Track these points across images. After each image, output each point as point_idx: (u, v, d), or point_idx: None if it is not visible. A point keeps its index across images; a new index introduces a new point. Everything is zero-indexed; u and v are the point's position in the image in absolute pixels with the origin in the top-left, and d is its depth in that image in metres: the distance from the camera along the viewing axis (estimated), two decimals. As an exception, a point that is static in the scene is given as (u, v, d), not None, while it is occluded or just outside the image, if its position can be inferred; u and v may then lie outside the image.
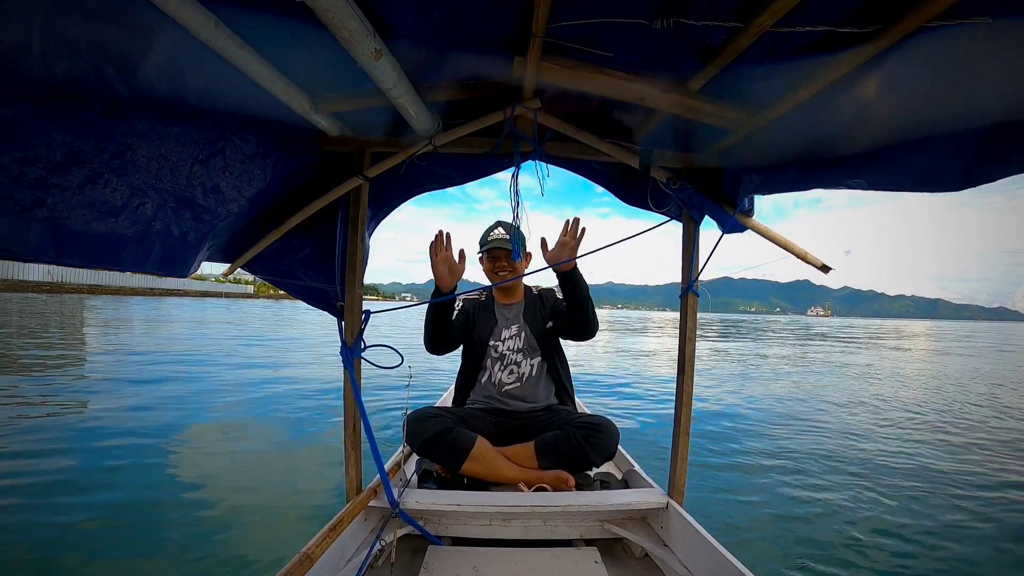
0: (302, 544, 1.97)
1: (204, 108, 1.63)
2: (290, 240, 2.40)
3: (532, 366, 3.24)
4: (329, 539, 2.08)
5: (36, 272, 64.21)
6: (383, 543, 2.31)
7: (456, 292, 2.80)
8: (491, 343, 3.28)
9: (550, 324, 3.30)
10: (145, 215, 1.62)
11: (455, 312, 3.34)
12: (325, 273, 2.47)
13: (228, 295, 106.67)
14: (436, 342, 3.12)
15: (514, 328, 3.31)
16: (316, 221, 2.38)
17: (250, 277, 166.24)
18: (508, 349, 3.28)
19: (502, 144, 2.23)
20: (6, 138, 1.21)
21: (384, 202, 2.57)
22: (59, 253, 1.41)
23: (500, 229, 3.27)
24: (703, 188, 2.24)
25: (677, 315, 2.61)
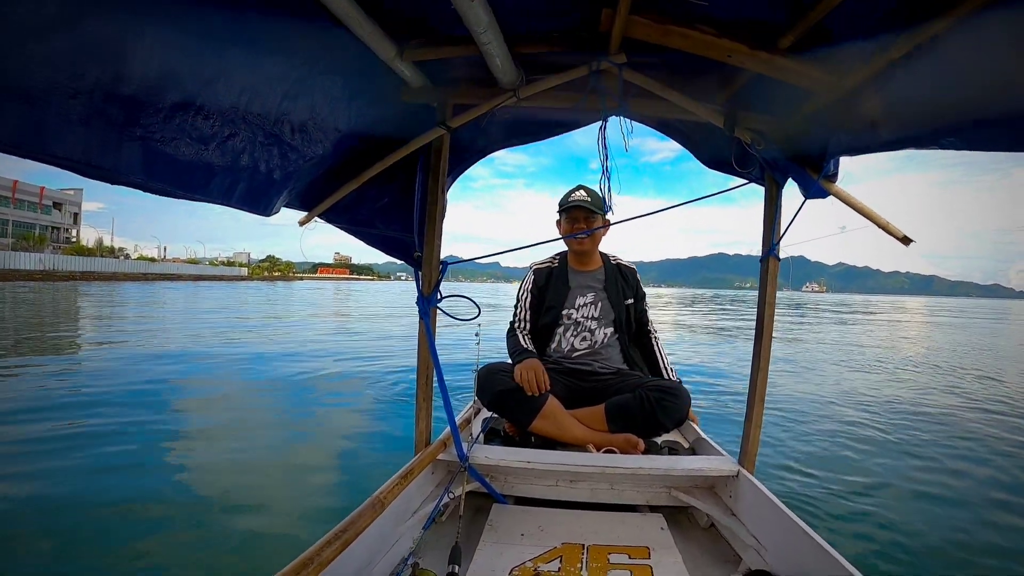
0: (370, 490, 2.02)
1: (294, 45, 1.65)
2: (368, 190, 2.42)
3: (605, 334, 3.27)
4: (400, 487, 2.12)
5: (28, 261, 64.31)
6: (451, 496, 2.37)
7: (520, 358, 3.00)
8: (564, 310, 3.31)
9: (630, 301, 3.36)
10: (235, 147, 1.67)
11: (527, 298, 3.45)
12: (403, 223, 2.50)
13: (223, 278, 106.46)
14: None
15: (590, 296, 3.32)
16: (395, 171, 2.40)
17: (244, 260, 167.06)
18: (583, 316, 3.29)
19: (586, 99, 2.20)
20: (104, 53, 1.21)
21: (463, 156, 2.62)
22: (149, 175, 1.45)
23: (582, 191, 3.26)
24: (788, 150, 2.19)
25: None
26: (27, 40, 1.07)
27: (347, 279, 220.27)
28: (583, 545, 2.13)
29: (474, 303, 2.59)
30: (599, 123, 2.29)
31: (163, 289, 50.71)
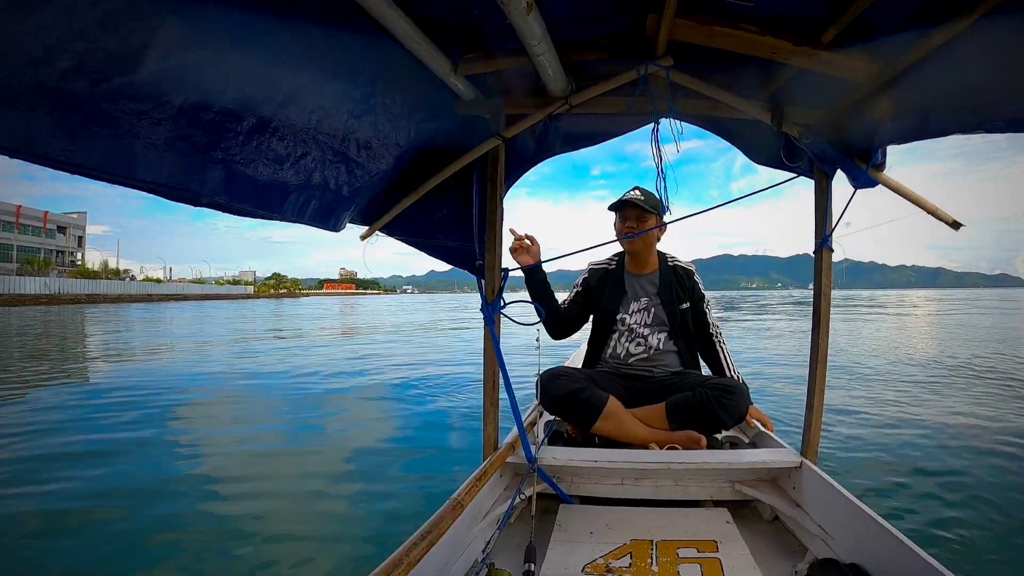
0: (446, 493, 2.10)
1: (357, 65, 1.73)
2: (427, 202, 2.51)
3: (660, 339, 3.26)
4: (475, 488, 2.20)
5: (33, 285, 65.12)
6: (522, 497, 2.43)
7: (539, 263, 2.96)
8: (619, 316, 3.31)
9: (686, 305, 3.31)
10: (307, 166, 1.77)
11: (574, 291, 3.47)
12: (462, 233, 2.60)
13: (229, 296, 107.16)
14: (553, 326, 3.32)
15: (644, 301, 3.30)
16: (452, 183, 2.49)
17: (249, 278, 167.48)
18: (636, 323, 3.29)
19: (636, 103, 2.23)
20: (187, 81, 1.27)
21: (518, 164, 2.65)
22: (231, 196, 1.52)
23: (636, 191, 3.24)
24: (836, 142, 2.21)
25: None
26: (116, 72, 1.13)
27: (353, 294, 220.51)
28: (652, 541, 2.15)
29: (537, 309, 2.69)
30: (650, 126, 2.32)
31: (185, 310, 51.26)
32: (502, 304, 2.55)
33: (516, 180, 2.73)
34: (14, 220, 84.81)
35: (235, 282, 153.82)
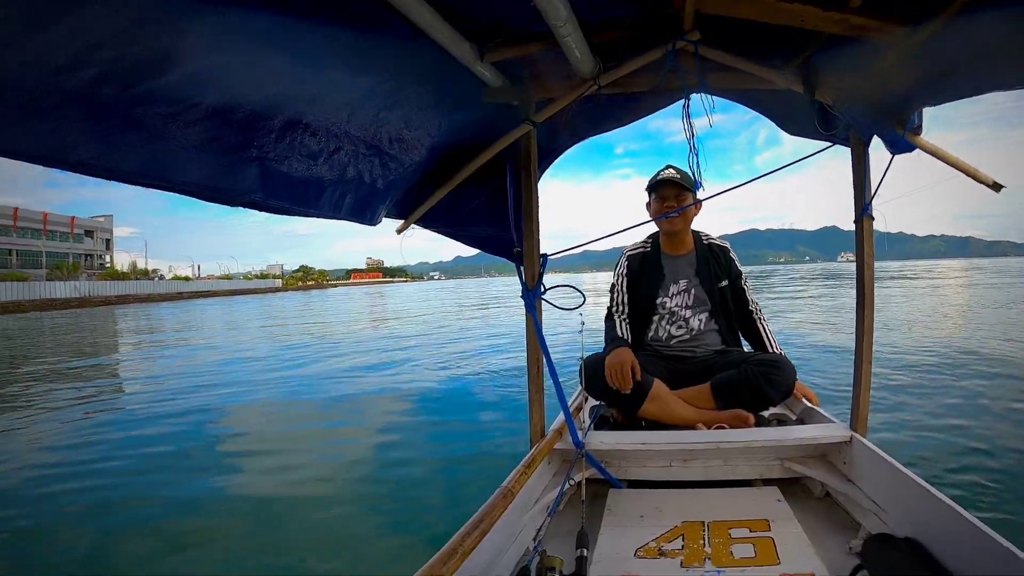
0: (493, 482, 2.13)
1: (383, 59, 1.70)
2: (461, 192, 2.51)
3: (701, 320, 3.26)
4: (525, 476, 2.21)
5: (64, 289, 66.02)
6: (572, 482, 2.44)
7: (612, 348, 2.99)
8: (659, 300, 3.30)
9: (724, 283, 3.29)
10: (341, 160, 1.79)
11: (621, 283, 3.43)
12: (499, 221, 2.58)
13: (258, 291, 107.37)
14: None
15: (683, 283, 3.29)
16: (485, 172, 2.48)
17: (277, 272, 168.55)
18: (676, 305, 3.28)
19: (665, 80, 2.22)
20: (216, 81, 1.27)
21: (548, 150, 2.67)
22: (267, 194, 1.54)
23: (671, 169, 3.21)
24: (870, 107, 2.14)
25: None
26: (146, 77, 1.13)
27: (381, 283, 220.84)
28: (703, 522, 2.14)
29: (580, 292, 2.67)
30: (680, 102, 2.29)
31: (217, 306, 53.13)
32: (542, 290, 2.57)
33: (549, 165, 2.73)
34: (42, 227, 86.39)
35: (263, 276, 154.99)
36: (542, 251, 2.61)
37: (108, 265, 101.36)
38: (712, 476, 2.56)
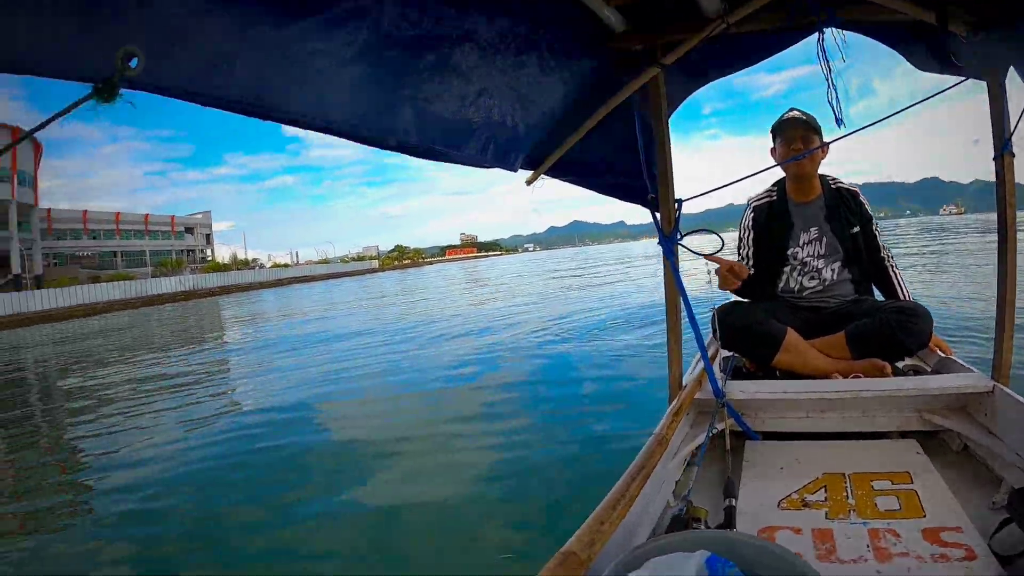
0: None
1: (515, 5, 1.68)
2: (590, 140, 2.46)
3: (834, 270, 3.21)
4: (675, 423, 2.29)
5: (169, 284, 68.55)
6: (715, 431, 2.40)
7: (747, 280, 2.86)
8: (790, 250, 3.25)
9: (856, 229, 3.21)
10: (487, 103, 1.79)
11: (747, 236, 3.42)
12: (630, 168, 2.61)
13: (355, 273, 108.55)
14: (750, 291, 3.25)
15: (813, 231, 3.23)
16: (614, 118, 2.42)
17: (373, 253, 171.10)
18: (808, 255, 3.23)
19: (793, 16, 2.12)
20: (369, 20, 1.28)
21: (676, 93, 2.60)
22: (421, 135, 1.57)
23: (795, 111, 3.19)
24: (1008, 36, 2.04)
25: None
26: (304, 11, 1.13)
27: (475, 257, 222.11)
28: (844, 474, 2.13)
29: (718, 236, 2.57)
30: (811, 38, 2.21)
31: (317, 289, 56.56)
32: (679, 236, 2.54)
33: (676, 108, 2.64)
34: (143, 228, 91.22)
35: (360, 258, 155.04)
36: (676, 196, 2.56)
37: (210, 258, 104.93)
38: (849, 427, 2.49)
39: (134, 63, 0.83)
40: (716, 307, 2.87)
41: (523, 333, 12.28)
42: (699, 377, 2.64)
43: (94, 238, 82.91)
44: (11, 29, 0.82)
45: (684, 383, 2.63)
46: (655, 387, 6.26)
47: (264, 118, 1.18)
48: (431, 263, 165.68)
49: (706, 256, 2.57)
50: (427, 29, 1.43)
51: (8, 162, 63.10)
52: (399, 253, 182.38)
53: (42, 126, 0.81)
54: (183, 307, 47.80)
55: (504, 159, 2.03)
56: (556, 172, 2.55)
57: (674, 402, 2.42)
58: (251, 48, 1.07)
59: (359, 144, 1.48)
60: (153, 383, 11.62)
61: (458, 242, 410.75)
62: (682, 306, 2.59)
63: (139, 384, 11.59)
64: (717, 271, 2.69)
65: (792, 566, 1.24)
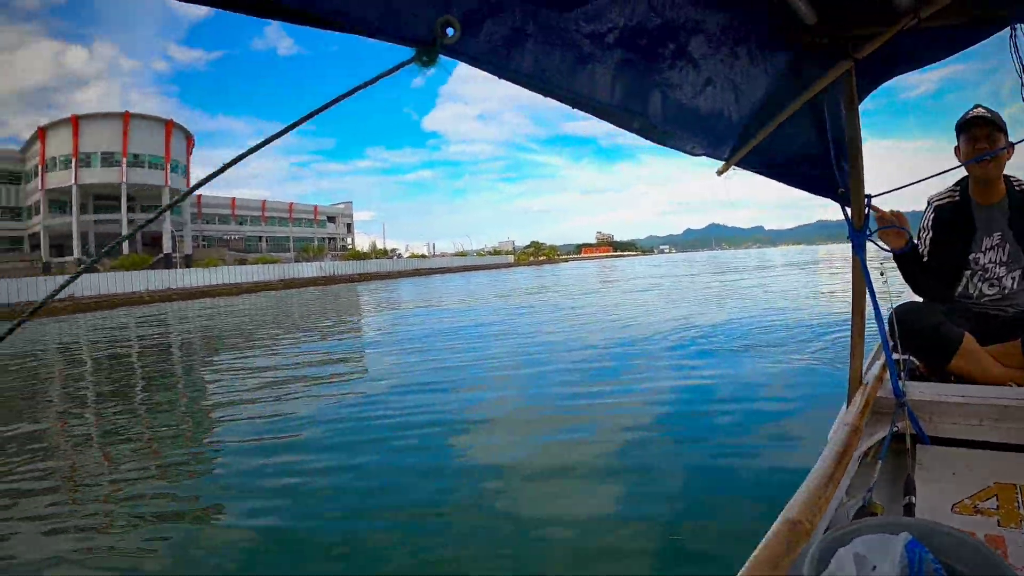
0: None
1: None
2: (781, 132, 2.29)
3: (1015, 278, 3.08)
4: (863, 417, 2.32)
5: (310, 269, 71.70)
6: (895, 429, 2.41)
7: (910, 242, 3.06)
8: (972, 255, 3.13)
9: None
10: (712, 92, 1.77)
11: (925, 236, 3.30)
12: (821, 161, 2.55)
13: (491, 267, 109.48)
14: (919, 287, 3.25)
15: (996, 237, 3.08)
16: (803, 111, 2.32)
17: (508, 248, 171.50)
18: (990, 261, 3.11)
19: (985, 11, 2.00)
20: (626, 7, 1.32)
21: (865, 87, 2.55)
22: (666, 121, 1.56)
23: (980, 108, 3.03)
24: None
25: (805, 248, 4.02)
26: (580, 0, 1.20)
27: (610, 257, 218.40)
28: (1015, 485, 2.06)
29: (907, 231, 2.76)
30: (1004, 32, 2.16)
31: (454, 281, 59.02)
32: (868, 232, 2.58)
33: (861, 101, 2.52)
34: (288, 215, 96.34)
35: (496, 252, 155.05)
36: (866, 191, 2.56)
37: (350, 247, 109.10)
38: (1021, 439, 2.36)
39: (450, 32, 0.91)
40: (894, 307, 2.82)
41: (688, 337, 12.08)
42: (879, 375, 2.74)
43: (241, 223, 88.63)
44: None
45: (864, 380, 2.72)
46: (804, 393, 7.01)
47: (547, 94, 1.26)
48: (566, 260, 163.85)
49: (876, 211, 2.75)
50: (669, 18, 1.48)
51: (162, 151, 68.21)
52: (535, 249, 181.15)
53: (363, 86, 0.86)
54: (323, 291, 49.62)
55: (717, 149, 2.00)
56: (746, 163, 2.31)
57: (857, 397, 2.51)
58: (540, 28, 1.13)
59: (604, 121, 1.53)
60: (289, 365, 12.16)
61: (594, 240, 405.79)
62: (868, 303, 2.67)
63: (276, 368, 11.92)
64: (879, 218, 2.79)
65: (991, 562, 1.24)
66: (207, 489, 5.37)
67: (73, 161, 62.93)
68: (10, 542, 4.42)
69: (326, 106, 0.86)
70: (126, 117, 65.56)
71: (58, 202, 64.63)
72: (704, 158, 2.25)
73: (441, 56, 0.89)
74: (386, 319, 20.00)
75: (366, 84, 0.82)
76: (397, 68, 0.83)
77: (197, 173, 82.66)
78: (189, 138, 76.35)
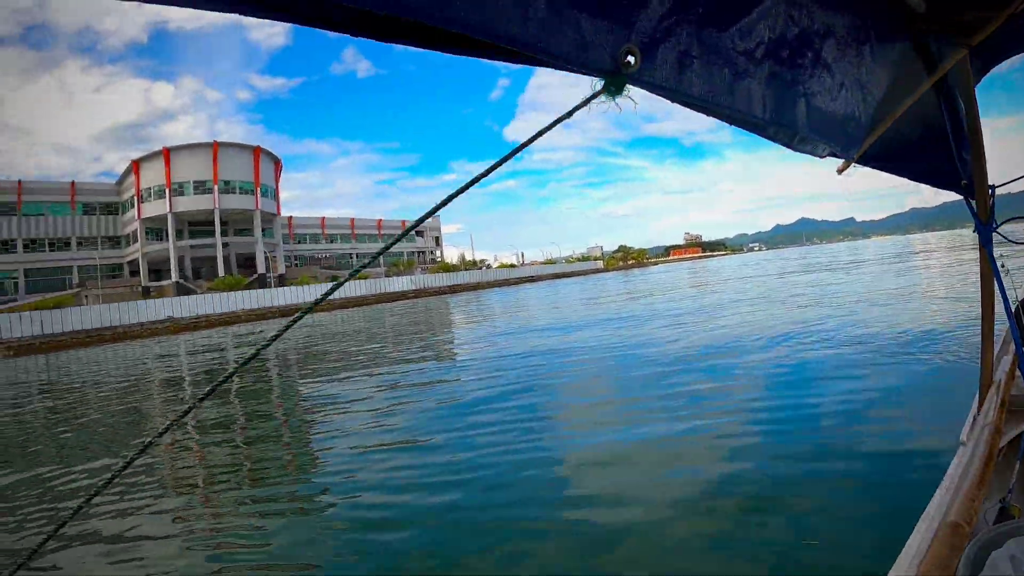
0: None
1: None
2: (900, 125, 2.23)
3: None
4: (1001, 415, 2.32)
5: (400, 283, 72.54)
6: None
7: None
8: None
9: None
10: (845, 96, 1.76)
11: None
12: (939, 153, 2.49)
13: (580, 273, 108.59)
14: None
15: None
16: (920, 102, 2.26)
17: (597, 253, 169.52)
18: None
19: None
20: (768, 21, 1.36)
21: (979, 73, 2.54)
22: (811, 129, 1.56)
23: None
24: None
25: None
26: (734, 20, 1.26)
27: (700, 257, 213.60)
28: None
29: None
30: None
31: (542, 289, 60.64)
32: (995, 225, 2.56)
33: (976, 84, 2.59)
34: (376, 231, 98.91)
35: (584, 259, 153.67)
36: (990, 181, 2.56)
37: (439, 259, 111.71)
38: None
39: (631, 59, 0.96)
40: (1017, 303, 2.82)
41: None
42: (1010, 371, 2.73)
43: (331, 241, 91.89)
44: (536, 16, 0.93)
45: (995, 378, 2.69)
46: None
47: (709, 114, 1.29)
48: (655, 263, 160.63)
49: None
50: (804, 26, 1.51)
51: (251, 176, 69.85)
52: (623, 254, 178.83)
53: (560, 120, 0.92)
54: (413, 303, 50.56)
55: (847, 149, 1.90)
56: (866, 159, 2.23)
57: (991, 395, 2.48)
58: (704, 50, 1.17)
59: (684, 120, 1.62)
60: (389, 375, 12.41)
61: (682, 242, 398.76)
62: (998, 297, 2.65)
63: (378, 377, 12.28)
64: None
65: None
66: (326, 483, 5.85)
67: (167, 191, 64.96)
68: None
69: (526, 143, 0.93)
70: (215, 147, 67.15)
71: (154, 230, 67.16)
72: (790, 151, 1.99)
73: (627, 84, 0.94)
74: (479, 329, 20.24)
75: (562, 118, 0.89)
76: (589, 100, 0.89)
77: (286, 196, 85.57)
78: (277, 162, 77.78)
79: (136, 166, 67.31)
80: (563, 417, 7.29)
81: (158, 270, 67.34)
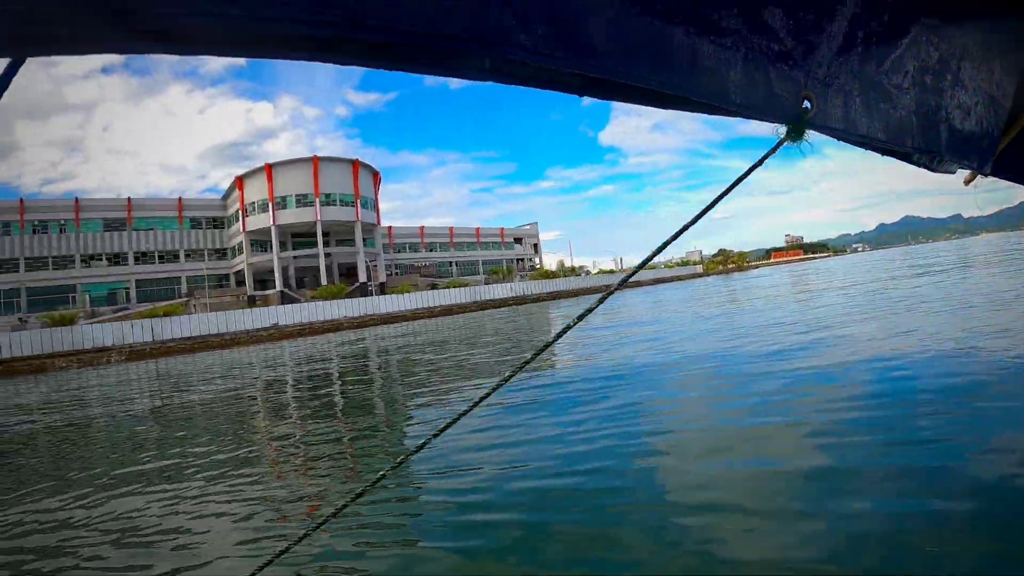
0: None
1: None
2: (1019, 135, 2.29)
3: None
4: None
5: (501, 291, 72.10)
6: None
7: None
8: None
9: None
10: (984, 114, 1.77)
11: None
12: None
13: (680, 278, 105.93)
14: None
15: None
16: None
17: (695, 257, 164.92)
18: None
19: None
20: (899, 57, 1.39)
21: None
22: (950, 150, 1.62)
23: None
24: None
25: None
26: (886, 40, 1.30)
27: (802, 260, 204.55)
28: None
29: None
30: None
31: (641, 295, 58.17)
32: None
33: None
34: (475, 239, 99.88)
35: (684, 263, 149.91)
36: None
37: (538, 266, 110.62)
38: None
39: (807, 105, 1.03)
40: None
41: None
42: None
43: (431, 250, 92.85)
44: (727, 77, 1.01)
45: None
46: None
47: (872, 148, 1.37)
48: (756, 267, 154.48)
49: None
50: (943, 50, 1.51)
51: (351, 189, 70.89)
52: (723, 257, 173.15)
53: (750, 170, 1.03)
54: (514, 311, 49.24)
55: (982, 165, 1.90)
56: (992, 169, 2.17)
57: None
58: (863, 87, 1.22)
59: (895, 159, 1.69)
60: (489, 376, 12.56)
61: (782, 244, 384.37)
62: None
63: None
64: None
65: None
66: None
67: (270, 204, 66.23)
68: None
69: (722, 195, 1.02)
70: (315, 161, 67.95)
71: (259, 242, 68.86)
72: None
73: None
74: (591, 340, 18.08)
75: (754, 167, 0.96)
76: (776, 148, 0.94)
77: (386, 207, 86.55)
78: (375, 175, 78.38)
79: (240, 182, 69.21)
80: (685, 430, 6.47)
81: (263, 280, 69.14)
